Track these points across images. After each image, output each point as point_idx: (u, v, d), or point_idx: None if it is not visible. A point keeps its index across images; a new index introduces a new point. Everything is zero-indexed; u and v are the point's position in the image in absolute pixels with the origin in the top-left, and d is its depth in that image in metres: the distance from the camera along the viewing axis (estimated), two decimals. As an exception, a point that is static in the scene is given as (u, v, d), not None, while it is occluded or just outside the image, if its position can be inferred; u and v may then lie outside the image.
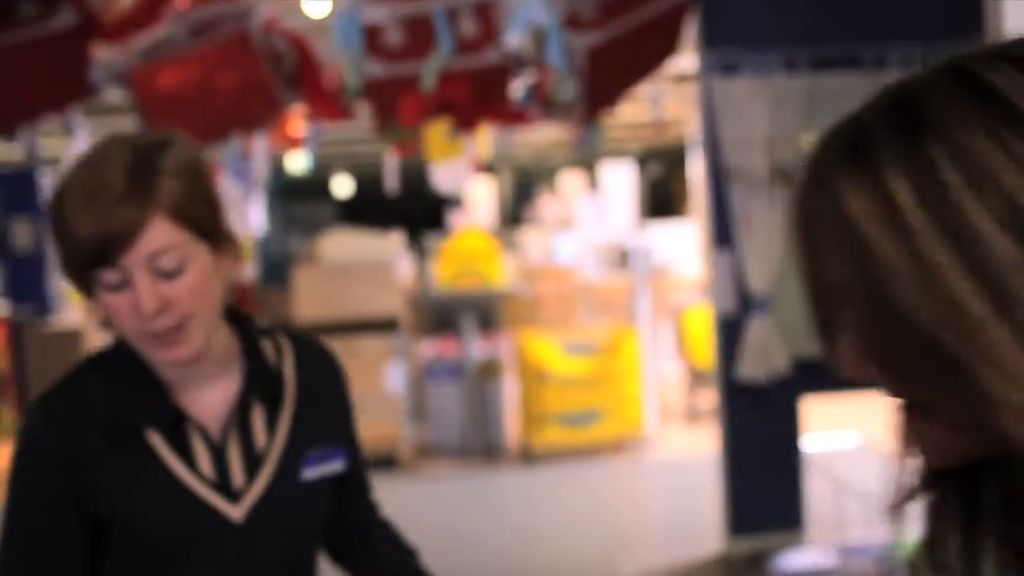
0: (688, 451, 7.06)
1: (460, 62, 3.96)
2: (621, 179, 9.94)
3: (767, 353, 4.72)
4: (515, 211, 11.77)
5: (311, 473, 1.37)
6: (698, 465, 6.09)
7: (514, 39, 3.88)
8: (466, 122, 4.14)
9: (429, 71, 3.93)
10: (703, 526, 5.12)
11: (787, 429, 4.90)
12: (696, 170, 9.16)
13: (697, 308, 7.46)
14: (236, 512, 1.33)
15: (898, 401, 0.71)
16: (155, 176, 1.21)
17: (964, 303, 0.61)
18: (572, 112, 4.06)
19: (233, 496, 1.33)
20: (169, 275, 1.22)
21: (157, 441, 1.31)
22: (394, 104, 4.01)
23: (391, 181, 4.76)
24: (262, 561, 1.37)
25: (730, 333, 4.81)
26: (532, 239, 9.63)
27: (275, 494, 1.35)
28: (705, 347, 7.31)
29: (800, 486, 4.91)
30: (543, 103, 4.08)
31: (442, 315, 7.62)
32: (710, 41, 4.60)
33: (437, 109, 4.04)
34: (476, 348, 7.28)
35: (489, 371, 7.21)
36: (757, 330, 4.72)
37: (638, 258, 8.07)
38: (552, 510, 6.07)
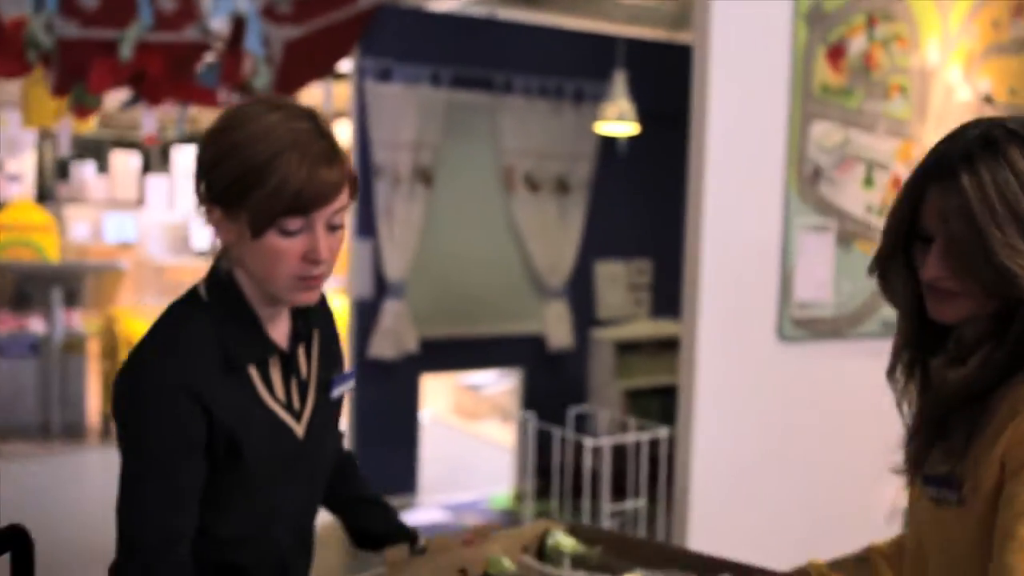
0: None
1: (158, 35, 4.02)
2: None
3: (399, 334, 5.26)
4: (52, 186, 11.09)
5: (336, 393, 1.58)
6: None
7: (216, 22, 4.03)
8: (154, 96, 4.19)
9: (128, 40, 3.94)
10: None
11: (409, 403, 5.48)
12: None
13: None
14: (299, 430, 1.49)
15: (941, 285, 1.23)
16: (338, 149, 1.37)
17: None
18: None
19: (296, 417, 1.49)
20: (334, 230, 1.38)
21: (253, 372, 1.44)
22: (85, 68, 3.95)
23: (64, 147, 4.57)
24: (314, 475, 1.56)
25: (364, 315, 5.28)
26: (76, 216, 9.28)
27: (318, 412, 1.53)
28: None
29: (417, 453, 5.52)
30: (234, 86, 4.25)
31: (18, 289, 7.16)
32: (367, 49, 5.06)
33: (130, 79, 4.06)
34: (60, 323, 6.96)
35: (72, 348, 6.94)
36: (391, 313, 5.24)
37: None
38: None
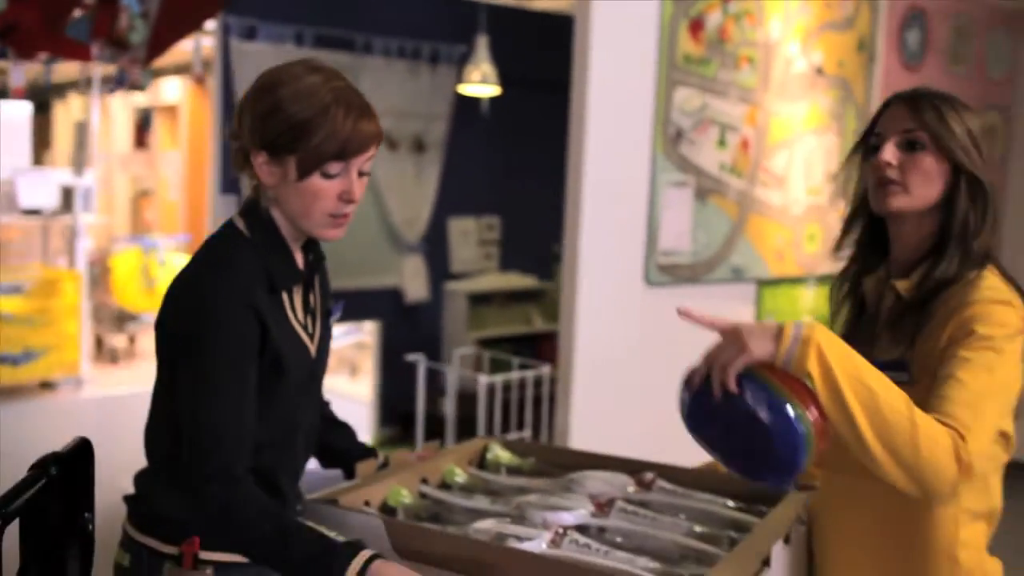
0: (118, 388, 7.28)
1: (31, -13, 3.97)
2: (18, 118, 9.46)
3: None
4: None
5: (333, 319, 1.79)
6: (127, 399, 6.44)
7: (92, -25, 4.03)
8: (26, 49, 4.14)
9: (1, -10, 3.89)
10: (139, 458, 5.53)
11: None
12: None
13: (127, 252, 7.65)
14: (313, 349, 1.68)
15: (891, 174, 1.57)
16: (369, 103, 1.58)
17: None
18: (137, 53, 4.30)
19: (311, 337, 1.69)
20: (363, 176, 1.59)
21: (285, 296, 1.63)
22: (-48, 16, 3.87)
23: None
24: (319, 389, 1.77)
25: (231, 269, 5.35)
26: None
27: (323, 335, 1.73)
28: (135, 289, 7.58)
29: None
30: (108, 41, 4.24)
31: None
32: (232, 7, 5.10)
33: (2, 29, 4.00)
34: None
35: None
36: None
37: (79, 199, 7.90)
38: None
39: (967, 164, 1.54)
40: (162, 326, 1.62)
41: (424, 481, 2.02)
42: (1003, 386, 1.44)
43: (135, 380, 7.45)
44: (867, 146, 1.64)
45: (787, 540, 1.64)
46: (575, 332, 3.42)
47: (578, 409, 3.44)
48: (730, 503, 1.87)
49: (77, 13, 4.36)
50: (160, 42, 4.41)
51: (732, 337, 1.44)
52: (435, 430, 3.80)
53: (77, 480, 1.53)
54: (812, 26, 4.20)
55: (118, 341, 8.10)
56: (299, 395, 1.68)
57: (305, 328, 1.69)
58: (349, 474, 2.00)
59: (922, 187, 1.55)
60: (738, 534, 1.71)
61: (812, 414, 1.42)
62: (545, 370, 3.37)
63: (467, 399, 3.98)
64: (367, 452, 2.02)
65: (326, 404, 2.04)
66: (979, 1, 5.25)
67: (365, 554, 1.47)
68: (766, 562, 1.54)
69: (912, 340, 1.53)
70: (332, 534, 1.50)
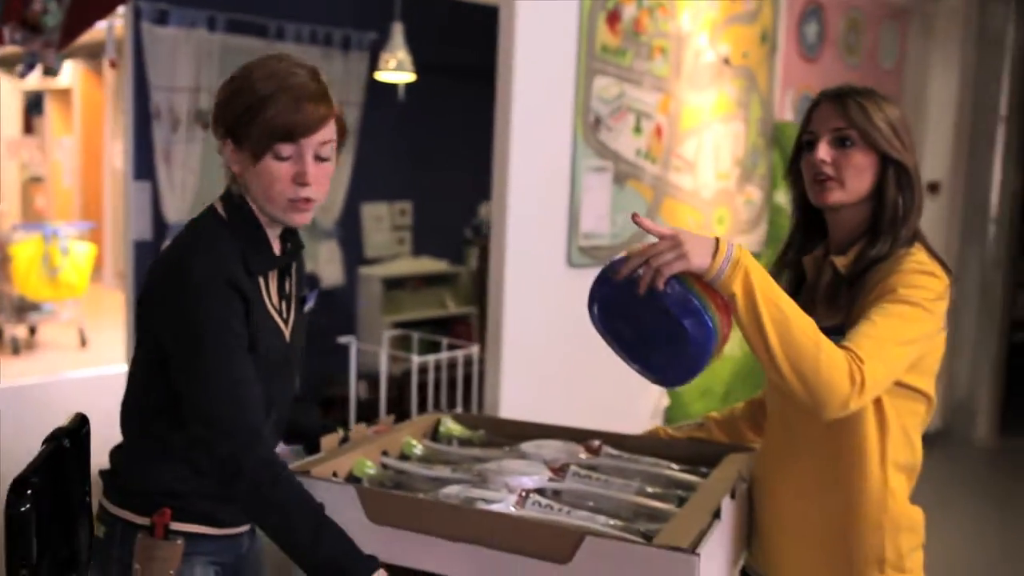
0: (23, 375, 7.16)
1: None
2: None
3: (181, 274, 5.35)
4: None
5: (308, 307, 1.87)
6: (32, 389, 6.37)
7: (4, -42, 3.99)
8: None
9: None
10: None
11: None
12: None
13: (28, 240, 7.48)
14: (287, 333, 1.78)
15: (825, 170, 1.72)
16: (326, 91, 1.64)
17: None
18: (51, 37, 4.25)
19: (285, 321, 1.78)
20: (321, 160, 1.66)
21: (261, 280, 1.71)
22: None
23: None
24: (293, 374, 1.84)
25: (144, 256, 5.33)
26: None
27: (297, 321, 1.83)
28: (37, 278, 7.42)
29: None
30: (21, 24, 4.18)
31: None
32: (143, -10, 5.07)
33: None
34: None
35: None
36: (172, 254, 5.31)
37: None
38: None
39: (892, 155, 1.71)
40: (144, 304, 1.69)
41: (385, 453, 2.12)
42: (911, 337, 1.60)
43: (39, 370, 7.35)
44: (801, 143, 1.80)
45: (733, 495, 1.80)
46: (503, 312, 3.54)
47: (507, 385, 3.57)
48: (674, 466, 2.02)
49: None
50: (74, 26, 4.37)
51: (673, 242, 1.55)
52: (364, 414, 3.88)
53: (80, 452, 1.59)
54: (719, 19, 4.40)
55: (19, 331, 7.94)
56: (272, 377, 1.75)
57: (280, 313, 1.78)
58: (311, 449, 2.09)
59: (855, 180, 1.72)
60: (685, 493, 1.86)
61: (724, 329, 1.58)
62: (475, 349, 3.49)
63: (387, 381, 4.04)
64: (329, 428, 2.12)
65: None
66: (869, -5, 5.55)
67: (383, 573, 1.58)
68: (717, 515, 1.68)
69: (849, 311, 1.69)
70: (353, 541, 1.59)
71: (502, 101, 3.52)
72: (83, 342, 7.98)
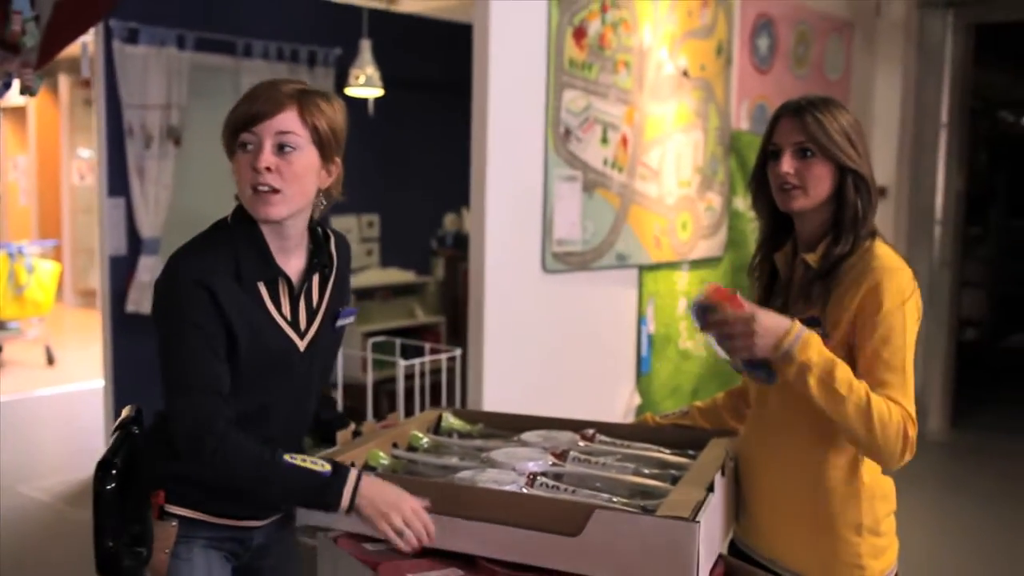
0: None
1: (-75, -7, 3.97)
2: None
3: (156, 289, 5.43)
4: None
5: (340, 323, 1.95)
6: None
7: (-15, -18, 4.07)
8: (-86, 51, 4.12)
9: None
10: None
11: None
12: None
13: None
14: (301, 344, 1.86)
15: (790, 180, 1.90)
16: (299, 90, 1.78)
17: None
18: (29, 57, 4.33)
19: (300, 333, 1.86)
20: (284, 152, 1.75)
21: (262, 289, 1.81)
22: None
23: None
24: (309, 383, 1.92)
25: (119, 271, 5.40)
26: None
27: (322, 335, 1.90)
28: (2, 296, 7.43)
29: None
30: (0, 46, 4.26)
31: None
32: (114, 10, 5.15)
33: None
34: None
35: None
36: (146, 268, 5.40)
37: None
38: None
39: (849, 164, 1.90)
40: None
41: (395, 445, 2.27)
42: (911, 344, 1.85)
43: (9, 388, 7.36)
44: (767, 153, 1.98)
45: (723, 472, 1.97)
46: (484, 316, 3.70)
47: (489, 386, 3.72)
48: (665, 449, 2.19)
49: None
50: (51, 46, 4.46)
51: (746, 328, 1.79)
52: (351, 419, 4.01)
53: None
54: (678, 33, 4.60)
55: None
56: (272, 378, 1.85)
57: (293, 323, 1.86)
58: (329, 441, 2.23)
59: (816, 187, 1.91)
60: (678, 472, 2.03)
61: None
62: (458, 352, 3.63)
63: (359, 388, 4.16)
64: (342, 420, 2.26)
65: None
66: (816, 11, 5.79)
67: (353, 476, 1.74)
68: (710, 489, 1.86)
69: (824, 303, 1.88)
70: (318, 465, 1.73)
71: (478, 115, 3.68)
72: (50, 360, 8.00)
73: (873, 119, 6.37)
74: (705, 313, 1.86)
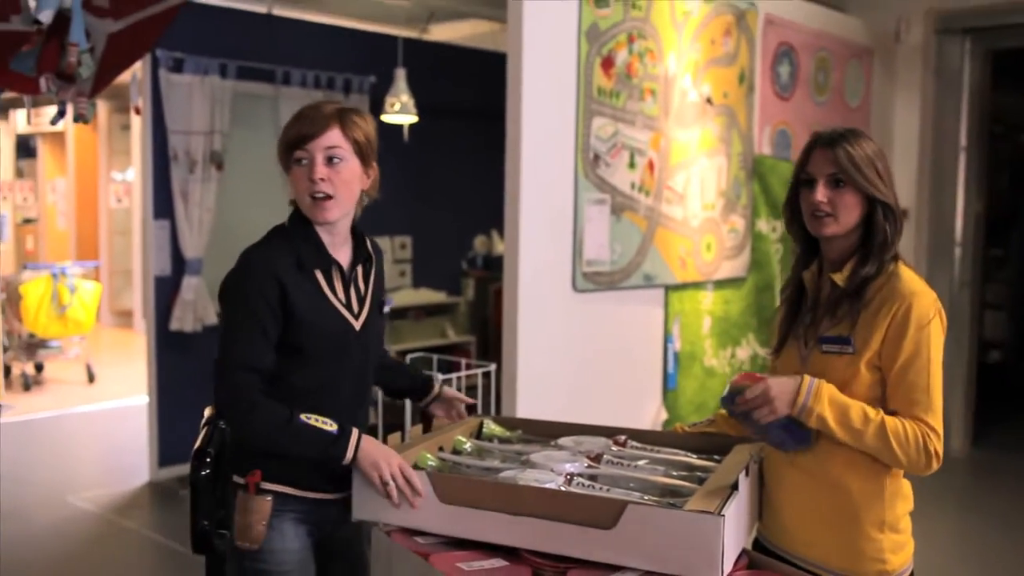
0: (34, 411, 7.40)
1: (-16, 24, 4.21)
2: None
3: (198, 308, 5.65)
4: None
5: (386, 309, 2.28)
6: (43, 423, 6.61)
7: (44, 15, 4.31)
8: (-28, 83, 4.36)
9: (-45, 28, 4.12)
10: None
11: (208, 372, 5.85)
12: None
13: (38, 279, 7.74)
14: (357, 324, 2.18)
15: (823, 208, 2.07)
16: (338, 109, 2.12)
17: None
18: (83, 86, 4.57)
19: (355, 315, 2.18)
20: (333, 163, 2.09)
21: (319, 276, 2.14)
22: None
23: None
24: (366, 360, 2.23)
25: (164, 291, 5.62)
26: None
27: (371, 319, 2.22)
28: (46, 316, 7.67)
29: (215, 418, 5.90)
30: (58, 75, 4.49)
31: None
32: (161, 41, 5.40)
33: (-45, 64, 4.23)
34: None
35: None
36: (190, 288, 5.62)
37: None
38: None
39: (878, 196, 2.07)
40: None
41: (440, 449, 2.44)
42: (937, 362, 2.03)
43: (51, 405, 7.59)
44: (799, 181, 2.16)
45: (747, 473, 2.13)
46: (517, 332, 3.88)
47: (522, 400, 3.89)
48: (692, 454, 2.35)
49: (24, 49, 4.60)
50: (104, 75, 4.69)
51: (764, 399, 2.02)
52: (389, 431, 4.18)
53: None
54: (701, 62, 4.79)
55: (28, 369, 8.18)
56: (332, 357, 2.15)
57: (348, 306, 2.17)
58: (418, 398, 2.64)
59: (847, 215, 2.09)
60: (704, 475, 2.20)
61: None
62: (492, 367, 3.80)
63: (398, 404, 4.32)
64: (421, 382, 2.62)
65: (387, 356, 2.55)
66: (835, 38, 5.97)
67: (355, 435, 2.05)
68: (735, 487, 2.02)
69: (853, 321, 2.05)
70: (328, 425, 2.03)
71: (512, 141, 3.87)
72: (91, 378, 8.23)
73: (893, 143, 6.52)
74: (733, 398, 2.09)
